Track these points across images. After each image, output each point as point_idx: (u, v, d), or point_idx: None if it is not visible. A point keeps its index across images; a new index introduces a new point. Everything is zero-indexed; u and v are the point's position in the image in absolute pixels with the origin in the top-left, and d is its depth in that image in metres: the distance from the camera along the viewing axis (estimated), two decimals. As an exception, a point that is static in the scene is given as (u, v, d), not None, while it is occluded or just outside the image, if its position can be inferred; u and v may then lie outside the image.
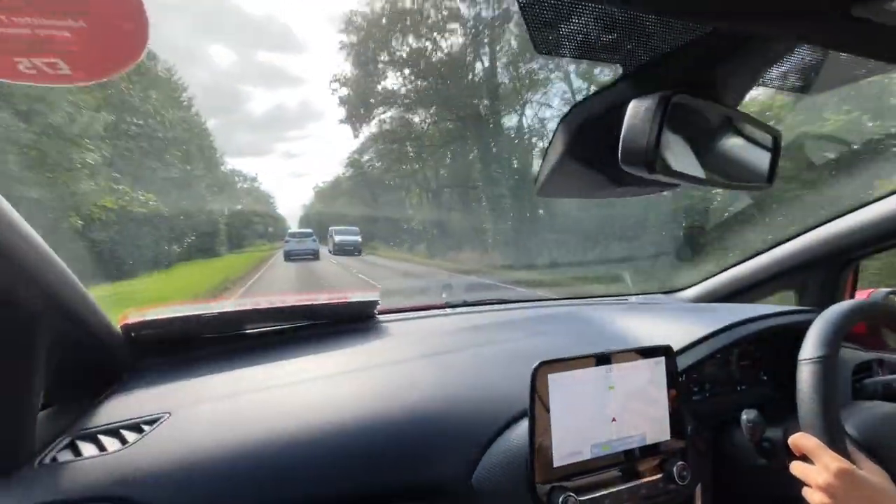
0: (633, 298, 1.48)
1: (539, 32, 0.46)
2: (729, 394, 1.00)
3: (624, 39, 0.50)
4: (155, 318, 0.90)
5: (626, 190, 0.65)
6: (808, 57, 0.51)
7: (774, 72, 0.53)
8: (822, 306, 0.74)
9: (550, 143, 0.63)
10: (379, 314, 1.19)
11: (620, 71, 0.54)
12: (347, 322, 1.13)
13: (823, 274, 1.20)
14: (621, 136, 0.47)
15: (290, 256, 13.06)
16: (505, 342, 0.99)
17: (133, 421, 0.67)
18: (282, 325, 1.06)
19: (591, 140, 0.58)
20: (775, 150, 0.61)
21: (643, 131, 0.45)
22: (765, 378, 1.06)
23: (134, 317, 0.88)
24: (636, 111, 0.46)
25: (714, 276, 1.44)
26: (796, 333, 0.96)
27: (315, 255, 13.37)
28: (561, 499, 0.64)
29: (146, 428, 0.66)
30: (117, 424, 0.66)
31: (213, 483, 0.60)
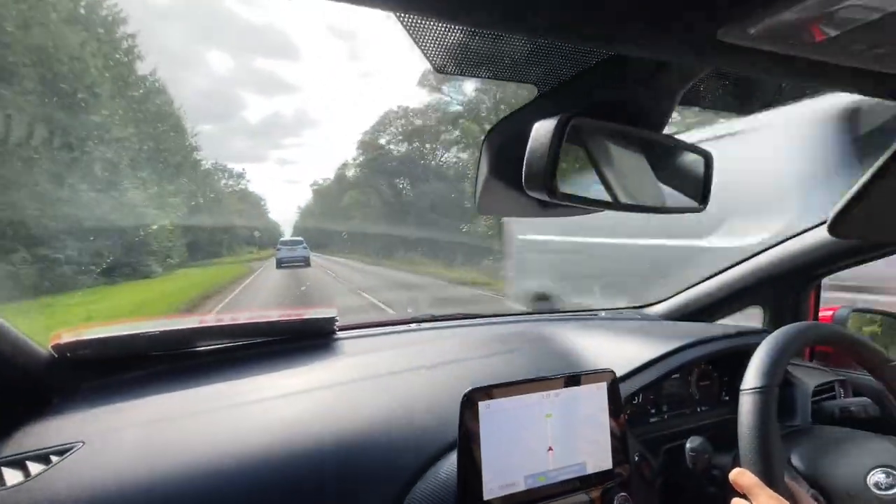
0: (603, 313, 1.46)
1: (438, 54, 0.44)
2: (689, 415, 0.97)
3: (534, 61, 0.48)
4: (90, 337, 0.86)
5: (556, 212, 0.63)
6: (727, 79, 0.49)
7: (695, 93, 0.51)
8: (783, 324, 0.72)
9: (479, 161, 0.62)
10: (340, 330, 1.16)
11: (535, 92, 0.52)
12: (304, 339, 1.10)
13: (788, 290, 1.19)
14: (525, 159, 0.45)
15: (281, 264, 13.20)
16: (459, 362, 0.96)
17: (42, 451, 0.64)
18: (233, 343, 1.03)
19: (511, 160, 0.56)
20: (707, 170, 0.59)
21: (542, 155, 0.43)
22: (726, 398, 1.03)
23: (67, 336, 0.85)
24: (538, 133, 0.44)
25: (684, 290, 1.42)
26: (748, 356, 0.94)
27: (306, 262, 13.38)
28: None
29: (54, 459, 0.63)
30: (24, 455, 0.63)
31: None
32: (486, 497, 0.63)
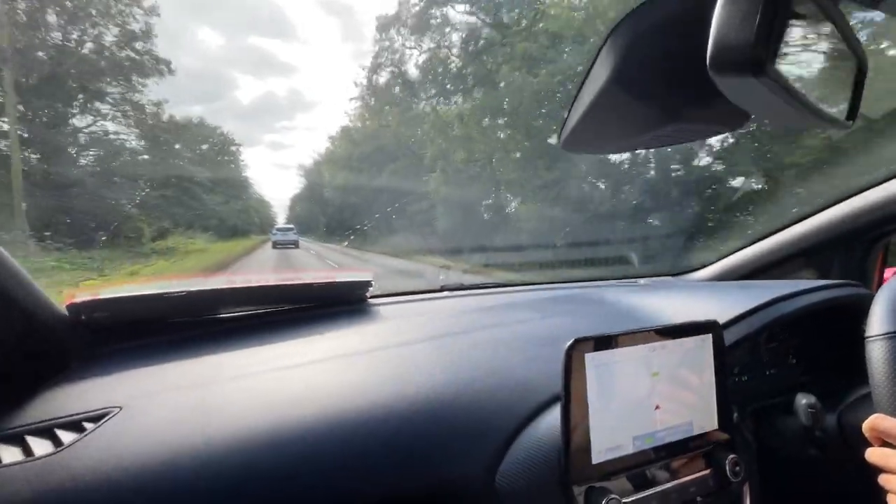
0: (642, 281, 1.39)
1: None
2: (758, 379, 0.91)
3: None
4: (108, 297, 0.76)
5: (679, 130, 0.55)
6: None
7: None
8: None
9: (587, 76, 0.52)
10: (371, 298, 1.07)
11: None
12: (335, 305, 1.00)
13: (850, 252, 1.13)
14: (713, 33, 0.36)
15: (276, 245, 16.41)
16: (517, 324, 0.88)
17: (73, 418, 0.54)
18: (261, 309, 0.93)
19: (645, 59, 0.47)
20: (859, 81, 0.51)
21: (747, 19, 0.34)
22: (794, 361, 0.97)
23: (83, 296, 0.74)
24: (731, -1, 0.35)
25: (728, 255, 1.35)
26: (844, 309, 0.88)
27: (296, 245, 16.43)
28: (603, 503, 0.53)
29: (89, 426, 0.52)
30: (51, 423, 0.53)
31: (169, 491, 0.47)
32: (594, 461, 0.56)
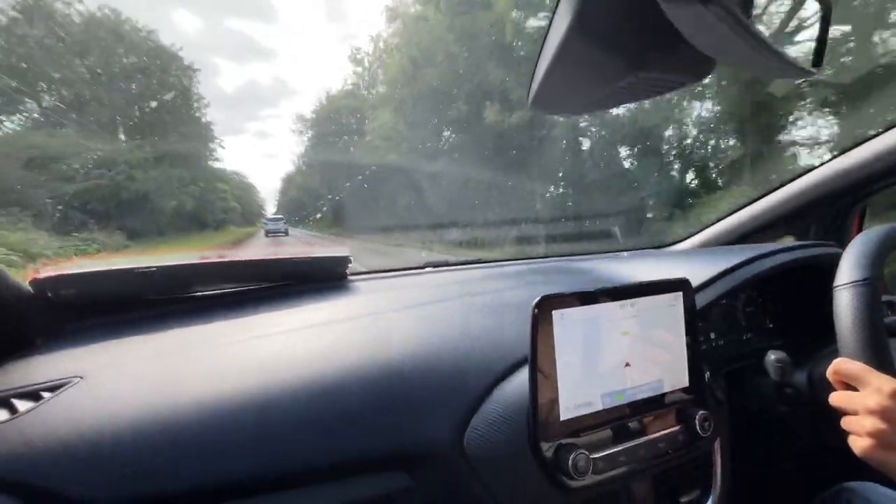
0: (625, 254, 1.39)
1: None
2: (735, 342, 0.92)
3: None
4: (75, 272, 0.74)
5: (644, 82, 0.53)
6: None
7: None
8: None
9: (548, 30, 0.51)
10: (351, 275, 1.06)
11: None
12: (314, 282, 0.99)
13: (827, 217, 1.13)
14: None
15: (268, 234, 17.46)
16: (493, 292, 0.88)
17: (31, 388, 0.53)
18: (236, 287, 0.92)
19: (605, 2, 0.46)
20: (824, 25, 0.50)
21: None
22: (771, 325, 0.98)
23: (47, 272, 0.72)
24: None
25: (707, 227, 1.36)
26: (818, 268, 0.89)
27: (286, 233, 17.59)
28: (571, 458, 0.53)
29: (46, 395, 0.52)
30: (7, 393, 0.52)
31: (129, 456, 0.46)
32: (562, 417, 0.56)
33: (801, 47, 0.49)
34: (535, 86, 0.57)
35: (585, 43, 0.49)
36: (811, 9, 0.47)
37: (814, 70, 0.50)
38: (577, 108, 0.67)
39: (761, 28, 0.41)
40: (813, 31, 0.50)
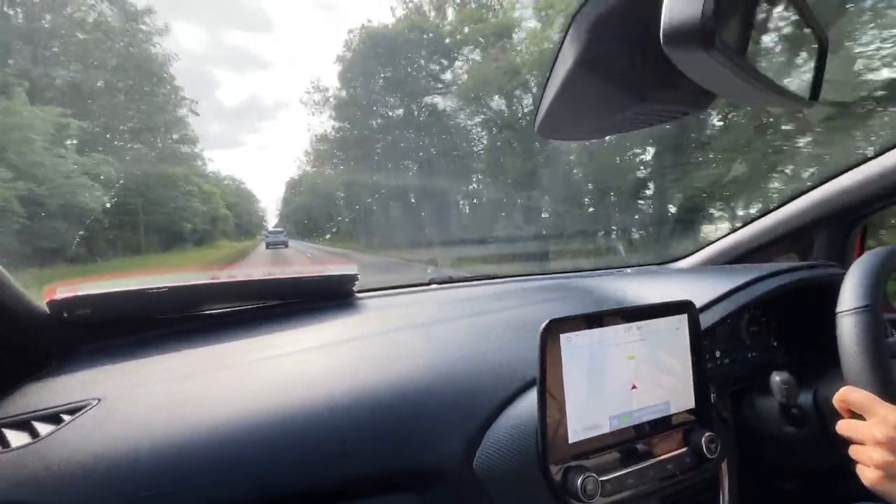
0: (628, 270, 1.40)
1: None
2: (740, 362, 0.92)
3: None
4: (90, 293, 0.76)
5: (647, 112, 0.55)
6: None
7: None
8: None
9: (555, 61, 0.53)
10: (357, 292, 1.07)
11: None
12: (322, 300, 1.00)
13: (829, 235, 1.14)
14: (665, 7, 0.36)
15: (268, 245, 17.92)
16: (500, 311, 0.89)
17: (51, 411, 0.54)
18: (246, 305, 0.93)
19: (610, 40, 0.48)
20: (820, 59, 0.52)
21: (696, -7, 0.34)
22: (775, 344, 0.99)
23: (63, 292, 0.74)
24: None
25: (710, 244, 1.37)
26: (819, 289, 0.89)
27: (285, 245, 18.06)
28: (580, 481, 0.54)
29: (66, 418, 0.53)
30: (28, 415, 0.53)
31: (147, 479, 0.47)
32: (571, 440, 0.56)
33: (800, 79, 0.50)
34: (541, 113, 0.59)
35: (590, 76, 0.50)
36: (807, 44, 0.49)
37: (811, 102, 0.52)
38: (581, 135, 0.69)
39: (761, 63, 0.43)
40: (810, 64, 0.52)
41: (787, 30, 0.47)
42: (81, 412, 0.54)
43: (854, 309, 0.59)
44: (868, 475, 0.50)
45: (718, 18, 0.34)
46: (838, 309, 0.61)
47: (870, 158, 1.06)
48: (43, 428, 0.51)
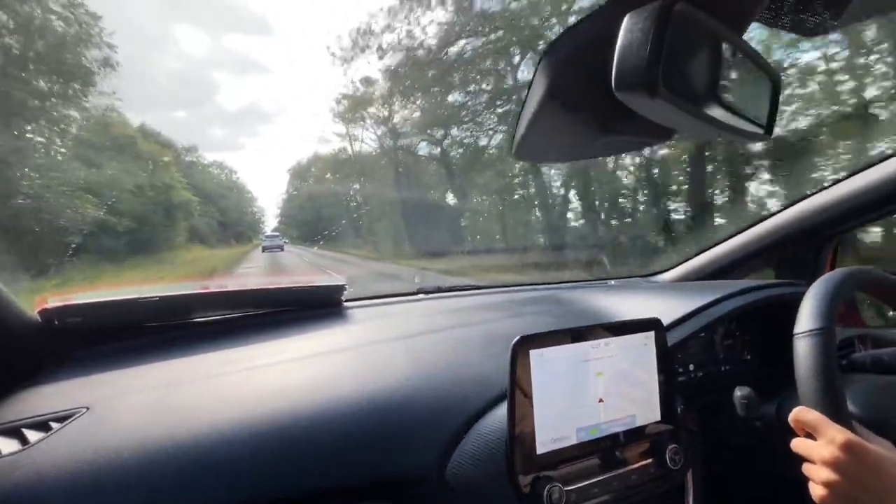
0: (612, 282, 1.44)
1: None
2: (713, 375, 0.95)
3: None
4: (81, 302, 0.78)
5: (612, 142, 0.59)
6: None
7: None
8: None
9: (530, 89, 0.56)
10: (346, 301, 1.10)
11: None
12: (311, 309, 1.03)
13: (803, 251, 1.18)
14: (615, 56, 0.40)
15: (265, 249, 17.84)
16: (481, 324, 0.92)
17: (41, 418, 0.56)
18: (235, 314, 0.96)
19: (576, 76, 0.51)
20: (774, 95, 0.55)
21: (641, 44, 0.38)
22: (748, 357, 1.02)
23: (54, 301, 0.76)
24: (632, 24, 0.39)
25: (691, 258, 1.41)
26: (785, 307, 0.93)
27: (281, 248, 18.12)
28: (546, 490, 0.56)
29: (55, 426, 0.55)
30: (19, 423, 0.55)
31: (132, 486, 0.50)
32: (539, 451, 0.59)
33: (753, 115, 0.54)
34: (517, 137, 0.62)
35: (558, 108, 0.54)
36: (758, 82, 0.53)
37: (765, 136, 0.55)
38: (556, 158, 0.73)
39: (712, 104, 0.46)
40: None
41: (740, 71, 0.50)
42: (70, 420, 0.56)
43: (809, 332, 0.62)
44: (816, 493, 0.53)
45: (663, 67, 0.37)
46: (795, 330, 0.64)
47: (841, 179, 1.10)
48: (33, 435, 0.54)
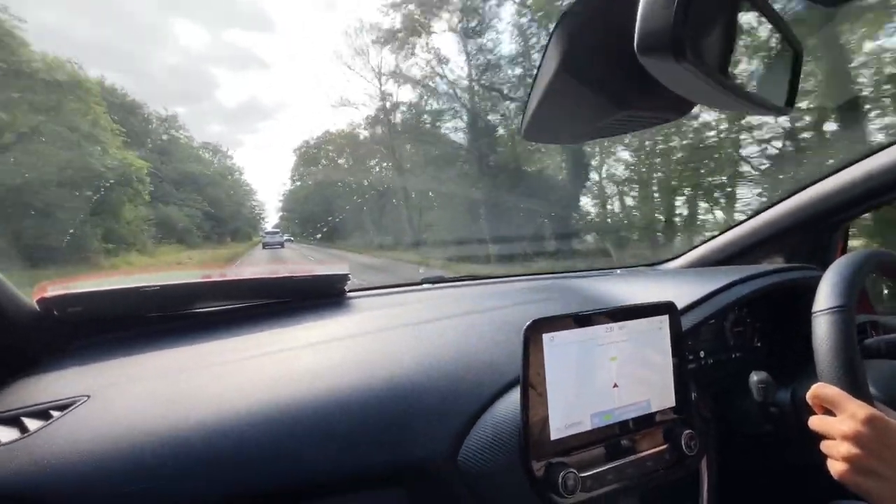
0: (619, 271, 1.42)
1: None
2: (723, 362, 0.94)
3: None
4: (80, 291, 0.76)
5: (626, 119, 0.57)
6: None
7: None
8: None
9: (540, 65, 0.54)
10: (350, 292, 1.08)
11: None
12: (314, 299, 1.01)
13: (812, 237, 1.17)
14: (638, 17, 0.38)
15: (266, 246, 17.78)
16: (490, 311, 0.90)
17: (40, 406, 0.55)
18: (238, 304, 0.94)
19: (593, 43, 0.49)
20: (795, 68, 0.53)
21: (667, 3, 0.36)
22: (759, 345, 1.01)
23: (54, 290, 0.75)
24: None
25: (698, 246, 1.39)
26: (799, 291, 0.91)
27: (282, 245, 18.14)
28: (560, 476, 0.55)
29: (55, 414, 0.53)
30: (18, 411, 0.54)
31: (134, 475, 0.48)
32: (553, 437, 0.58)
33: (776, 87, 0.52)
34: (527, 117, 0.60)
35: (571, 82, 0.52)
36: (781, 53, 0.51)
37: (787, 109, 0.53)
38: (567, 139, 0.71)
39: (736, 73, 0.45)
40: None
41: (763, 40, 0.49)
42: (71, 408, 0.54)
43: (829, 309, 0.60)
44: (837, 468, 0.52)
45: (690, 29, 0.36)
46: (814, 309, 0.63)
47: (850, 164, 1.09)
48: (32, 424, 0.52)
